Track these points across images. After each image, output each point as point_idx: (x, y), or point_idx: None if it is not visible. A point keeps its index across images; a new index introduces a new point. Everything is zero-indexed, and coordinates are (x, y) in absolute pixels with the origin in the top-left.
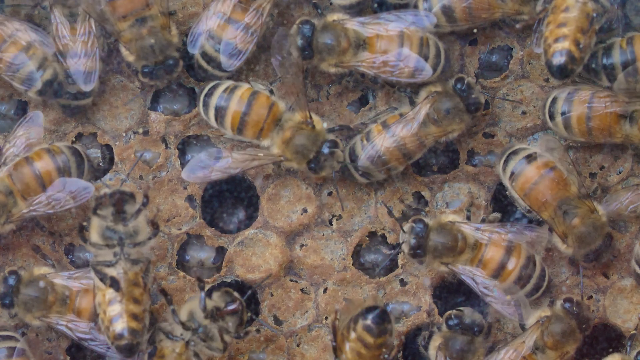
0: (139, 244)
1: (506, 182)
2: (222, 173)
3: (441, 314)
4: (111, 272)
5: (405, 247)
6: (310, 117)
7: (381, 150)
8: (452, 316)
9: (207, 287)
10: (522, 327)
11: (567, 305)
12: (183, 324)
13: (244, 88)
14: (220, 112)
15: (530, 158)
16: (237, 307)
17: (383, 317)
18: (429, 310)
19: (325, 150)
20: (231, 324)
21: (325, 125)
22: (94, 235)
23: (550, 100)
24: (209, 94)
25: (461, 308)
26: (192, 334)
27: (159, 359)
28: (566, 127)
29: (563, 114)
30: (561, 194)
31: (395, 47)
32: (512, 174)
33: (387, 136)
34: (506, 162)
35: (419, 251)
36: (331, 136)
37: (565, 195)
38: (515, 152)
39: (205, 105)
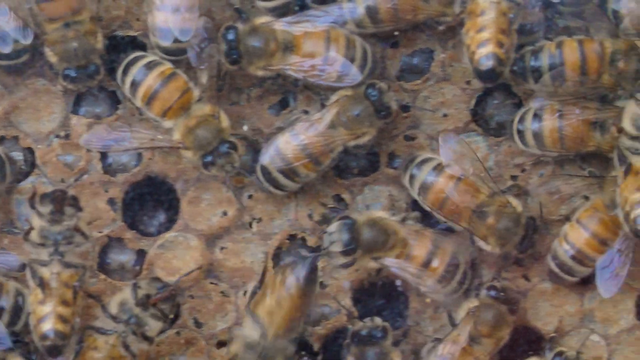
0: (74, 246)
1: (414, 195)
2: (119, 146)
3: (361, 317)
4: (44, 272)
5: (336, 246)
6: (219, 113)
7: (281, 149)
8: (353, 333)
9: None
10: (452, 324)
11: (492, 292)
12: (114, 317)
13: (165, 66)
14: (135, 84)
15: (438, 169)
16: (170, 292)
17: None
18: (349, 313)
19: (223, 149)
20: (164, 310)
21: (245, 128)
22: (33, 234)
23: (518, 117)
24: (132, 63)
25: (364, 320)
26: (124, 326)
27: (92, 351)
28: (538, 143)
29: (534, 127)
30: (473, 200)
31: (322, 50)
32: (421, 187)
33: (289, 136)
34: (412, 175)
35: (352, 247)
36: (233, 138)
37: (477, 201)
38: (421, 163)
39: (125, 73)
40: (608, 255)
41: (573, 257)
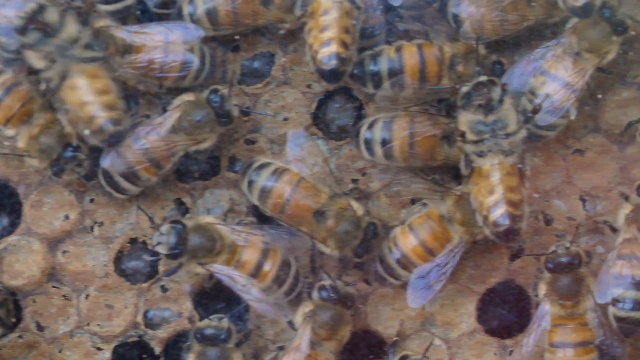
0: None
1: (254, 201)
2: None
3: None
4: None
5: (163, 248)
6: (59, 119)
7: (123, 153)
8: (197, 330)
9: None
10: (293, 328)
11: (323, 293)
12: None
13: (7, 75)
14: None
15: (277, 173)
16: (3, 298)
17: None
18: (190, 316)
19: (68, 154)
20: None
21: (87, 132)
22: None
23: (365, 129)
24: None
25: (210, 317)
26: None
27: None
28: (387, 156)
29: (383, 143)
30: (314, 202)
31: (161, 54)
32: (260, 192)
33: (131, 140)
34: (251, 181)
35: (177, 251)
36: (75, 141)
37: (317, 203)
38: (259, 168)
39: None
40: (426, 267)
41: (398, 261)
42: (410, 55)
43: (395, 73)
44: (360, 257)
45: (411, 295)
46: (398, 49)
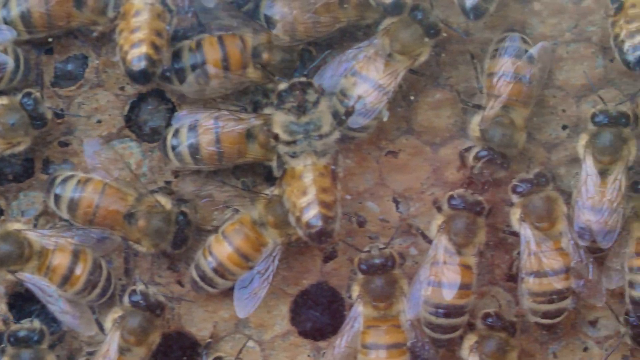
0: None
1: (63, 215)
2: None
3: (17, 322)
4: None
5: None
6: None
7: None
8: (10, 333)
9: None
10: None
11: (132, 298)
12: None
13: None
14: None
15: (81, 183)
16: None
17: None
18: (5, 318)
19: None
20: None
21: None
22: None
23: (171, 134)
24: None
25: (22, 321)
26: None
27: None
28: (195, 159)
29: (190, 146)
30: (122, 206)
31: None
32: (69, 205)
33: None
34: (57, 195)
35: None
36: None
37: (126, 206)
38: (63, 182)
39: None
40: (248, 275)
41: (214, 270)
42: (211, 47)
43: (198, 67)
44: (179, 248)
45: (238, 306)
46: (199, 43)
